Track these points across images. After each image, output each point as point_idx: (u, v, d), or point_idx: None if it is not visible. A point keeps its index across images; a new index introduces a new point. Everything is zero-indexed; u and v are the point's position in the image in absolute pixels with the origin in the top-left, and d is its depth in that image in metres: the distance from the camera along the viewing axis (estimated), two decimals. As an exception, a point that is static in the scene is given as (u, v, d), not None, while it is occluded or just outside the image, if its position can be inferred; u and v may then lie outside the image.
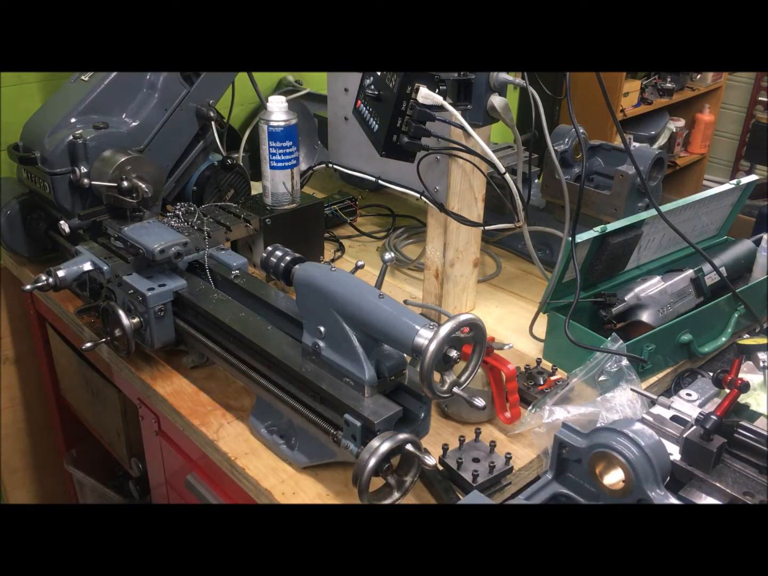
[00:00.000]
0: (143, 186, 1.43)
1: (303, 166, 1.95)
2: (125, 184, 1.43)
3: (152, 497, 1.67)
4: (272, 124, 1.51)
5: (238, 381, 1.30)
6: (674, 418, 1.14)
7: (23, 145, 1.54)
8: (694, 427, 1.09)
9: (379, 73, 1.25)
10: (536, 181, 1.75)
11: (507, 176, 1.34)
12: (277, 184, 1.56)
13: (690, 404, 1.17)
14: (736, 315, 1.46)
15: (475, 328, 0.98)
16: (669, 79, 4.07)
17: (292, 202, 1.60)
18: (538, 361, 1.35)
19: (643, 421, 1.15)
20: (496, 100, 1.29)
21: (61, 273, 1.33)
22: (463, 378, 1.01)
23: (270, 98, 1.51)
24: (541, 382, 1.29)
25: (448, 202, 1.41)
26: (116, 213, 1.46)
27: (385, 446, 0.95)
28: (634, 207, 1.57)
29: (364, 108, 1.29)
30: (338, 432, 1.04)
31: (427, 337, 0.95)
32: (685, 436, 1.08)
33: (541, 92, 1.32)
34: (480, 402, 0.98)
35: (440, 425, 1.23)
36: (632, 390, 1.20)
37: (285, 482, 1.12)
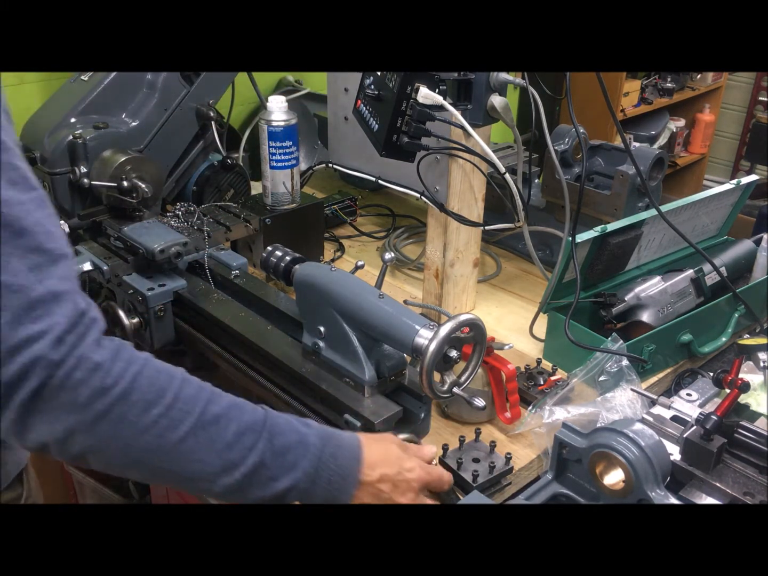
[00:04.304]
0: (143, 186, 1.43)
1: (303, 166, 1.95)
2: (125, 184, 1.43)
3: (152, 497, 1.67)
4: (272, 124, 1.51)
5: (238, 381, 1.30)
6: (674, 418, 1.14)
7: (23, 145, 1.54)
8: (695, 427, 1.09)
9: (379, 73, 1.24)
10: (536, 181, 1.75)
11: (507, 176, 1.34)
12: (277, 184, 1.56)
13: (690, 404, 1.17)
14: (736, 315, 1.46)
15: (475, 328, 0.98)
16: (669, 79, 4.06)
17: (292, 202, 1.60)
18: (538, 361, 1.35)
19: (643, 421, 1.15)
20: (496, 100, 1.29)
21: (61, 273, 1.32)
22: (463, 378, 1.01)
23: (270, 98, 1.51)
24: (541, 382, 1.29)
25: (448, 202, 1.40)
26: (116, 213, 1.46)
27: (385, 446, 0.95)
28: (634, 207, 1.57)
29: (364, 108, 1.29)
30: (338, 432, 1.04)
31: (427, 337, 0.95)
32: (685, 436, 1.08)
33: (541, 92, 1.31)
34: (480, 402, 0.98)
35: (440, 425, 1.23)
36: (632, 390, 1.20)
37: (285, 482, 1.12)
